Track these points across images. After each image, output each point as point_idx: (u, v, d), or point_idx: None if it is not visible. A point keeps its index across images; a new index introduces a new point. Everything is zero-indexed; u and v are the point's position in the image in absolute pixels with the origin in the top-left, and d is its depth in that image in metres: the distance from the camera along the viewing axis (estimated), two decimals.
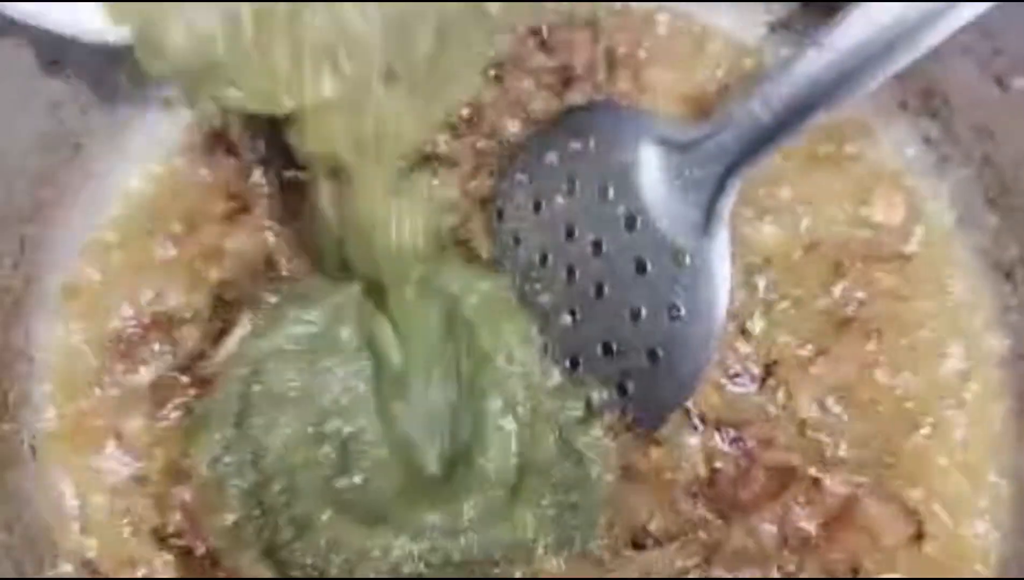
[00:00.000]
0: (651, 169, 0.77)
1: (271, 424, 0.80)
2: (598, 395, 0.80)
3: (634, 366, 0.78)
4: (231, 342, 0.83)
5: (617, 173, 0.78)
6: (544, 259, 0.82)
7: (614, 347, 0.79)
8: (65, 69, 0.83)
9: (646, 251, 0.76)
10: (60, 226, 0.88)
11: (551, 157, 0.82)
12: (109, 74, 0.88)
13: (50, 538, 0.81)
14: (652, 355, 0.77)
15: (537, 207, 0.83)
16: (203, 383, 0.83)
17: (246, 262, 0.88)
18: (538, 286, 0.82)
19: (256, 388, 0.81)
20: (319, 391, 0.81)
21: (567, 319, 0.81)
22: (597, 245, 0.79)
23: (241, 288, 0.86)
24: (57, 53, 0.82)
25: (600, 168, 0.79)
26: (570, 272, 0.80)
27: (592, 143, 0.80)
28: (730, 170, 0.74)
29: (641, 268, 0.77)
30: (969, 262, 0.88)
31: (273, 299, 0.84)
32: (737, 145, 0.73)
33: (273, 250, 0.88)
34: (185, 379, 0.84)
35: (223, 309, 0.85)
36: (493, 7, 0.75)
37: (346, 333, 0.82)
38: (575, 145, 0.80)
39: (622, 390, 0.79)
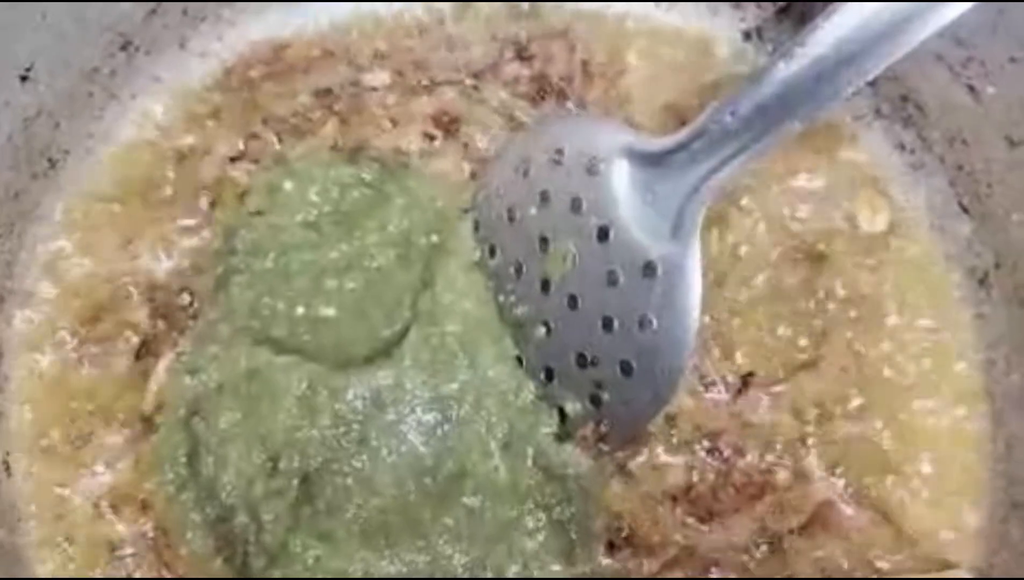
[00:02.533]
0: (623, 180, 0.76)
1: (222, 462, 0.78)
2: (573, 407, 0.80)
3: (608, 377, 0.78)
4: (160, 373, 0.83)
5: (589, 184, 0.77)
6: (519, 270, 0.82)
7: (588, 359, 0.78)
8: (37, 84, 0.83)
9: (618, 263, 0.76)
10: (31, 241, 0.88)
11: (524, 168, 0.82)
12: (82, 88, 0.88)
13: (26, 555, 0.81)
14: (626, 366, 0.77)
15: (511, 218, 0.82)
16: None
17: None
18: (513, 298, 0.82)
19: (200, 426, 0.80)
20: (265, 424, 0.79)
21: (542, 331, 0.81)
22: (571, 257, 0.78)
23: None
24: (29, 68, 0.82)
25: (573, 179, 0.78)
26: (544, 284, 0.80)
27: (565, 155, 0.79)
28: (702, 181, 0.73)
29: (613, 280, 0.76)
30: (943, 269, 0.88)
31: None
32: (708, 156, 0.72)
33: None
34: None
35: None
36: None
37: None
38: (548, 156, 0.80)
39: (596, 402, 0.79)
